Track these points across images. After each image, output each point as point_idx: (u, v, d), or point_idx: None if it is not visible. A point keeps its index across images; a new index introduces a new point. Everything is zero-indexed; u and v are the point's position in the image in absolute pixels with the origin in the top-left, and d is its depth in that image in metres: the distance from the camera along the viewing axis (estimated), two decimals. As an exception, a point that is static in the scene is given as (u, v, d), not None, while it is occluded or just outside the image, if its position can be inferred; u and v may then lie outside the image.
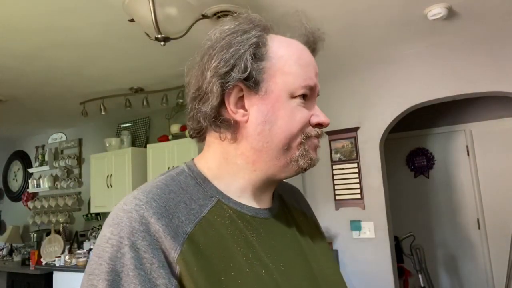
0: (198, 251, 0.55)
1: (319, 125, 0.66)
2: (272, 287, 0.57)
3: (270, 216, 0.67)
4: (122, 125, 4.68)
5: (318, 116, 0.66)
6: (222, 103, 0.62)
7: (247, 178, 0.64)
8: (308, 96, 0.65)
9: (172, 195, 0.58)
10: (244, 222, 0.62)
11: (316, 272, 0.67)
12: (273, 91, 0.62)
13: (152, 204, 0.55)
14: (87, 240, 4.40)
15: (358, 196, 3.13)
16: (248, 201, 0.65)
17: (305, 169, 0.66)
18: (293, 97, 0.63)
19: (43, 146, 5.36)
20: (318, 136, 0.67)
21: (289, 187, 0.84)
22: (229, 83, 0.60)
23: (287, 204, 0.76)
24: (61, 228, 4.67)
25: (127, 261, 0.51)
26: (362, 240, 3.10)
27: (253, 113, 0.62)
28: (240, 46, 0.60)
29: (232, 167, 0.64)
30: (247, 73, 0.60)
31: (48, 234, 4.62)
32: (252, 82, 0.61)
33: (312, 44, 0.70)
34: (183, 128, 3.80)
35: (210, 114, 0.62)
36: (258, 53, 0.62)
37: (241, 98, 0.63)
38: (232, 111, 0.62)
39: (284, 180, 0.86)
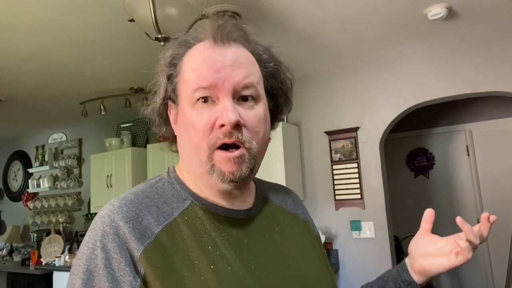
0: (164, 250, 0.59)
1: (223, 127, 0.60)
2: (235, 283, 0.59)
3: (247, 217, 0.69)
4: (122, 125, 4.68)
5: (221, 116, 0.60)
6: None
7: (199, 184, 0.67)
8: (211, 96, 0.61)
9: (146, 200, 0.63)
10: (216, 222, 0.65)
11: (292, 271, 0.68)
12: (181, 103, 0.65)
13: (122, 209, 0.61)
14: (87, 240, 4.39)
15: (358, 196, 3.13)
16: (224, 203, 0.67)
17: (225, 183, 0.62)
18: (193, 104, 0.62)
19: (43, 146, 5.36)
20: (224, 141, 0.60)
21: (280, 189, 0.85)
22: (156, 105, 0.68)
23: (271, 206, 0.77)
24: (61, 228, 4.67)
25: (99, 261, 0.56)
26: (362, 240, 3.10)
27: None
28: (160, 69, 0.67)
29: (189, 174, 0.68)
30: (164, 94, 0.66)
31: (48, 234, 4.62)
32: (172, 100, 0.67)
33: (220, 35, 0.63)
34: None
35: (162, 131, 0.70)
36: (173, 72, 0.66)
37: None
38: (173, 127, 0.69)
39: (276, 183, 0.87)
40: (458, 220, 0.67)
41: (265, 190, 0.79)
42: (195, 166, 0.64)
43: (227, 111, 0.59)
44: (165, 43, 1.99)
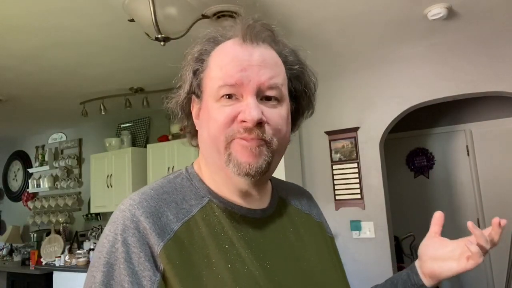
0: (183, 247, 0.59)
1: (244, 122, 0.60)
2: (251, 282, 0.60)
3: (263, 216, 0.69)
4: (122, 125, 4.68)
5: (244, 111, 0.60)
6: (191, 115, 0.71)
7: (217, 180, 0.68)
8: (236, 94, 0.62)
9: (165, 196, 0.64)
10: (233, 221, 0.65)
11: (306, 272, 0.68)
12: (205, 99, 0.66)
13: (143, 204, 0.61)
14: (87, 240, 4.40)
15: (358, 196, 3.13)
16: (241, 201, 0.67)
17: (241, 175, 0.61)
18: (217, 100, 0.63)
19: (43, 146, 5.36)
20: (244, 137, 0.60)
21: (296, 189, 0.85)
22: (179, 99, 0.69)
23: (287, 206, 0.77)
24: (61, 228, 4.67)
25: (119, 255, 0.57)
26: (362, 240, 3.10)
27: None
28: (186, 64, 0.69)
29: (208, 169, 0.69)
30: (189, 88, 0.68)
31: (48, 234, 4.63)
32: (196, 95, 0.68)
33: (249, 34, 0.63)
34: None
35: (184, 125, 0.71)
36: (199, 67, 0.67)
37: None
38: (194, 121, 0.70)
39: (292, 182, 0.88)
40: (470, 224, 0.67)
41: (281, 190, 0.79)
42: (214, 159, 0.65)
43: (250, 108, 0.59)
44: (165, 43, 1.99)
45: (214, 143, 0.63)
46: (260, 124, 0.60)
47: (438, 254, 0.71)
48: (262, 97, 0.62)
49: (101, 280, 0.57)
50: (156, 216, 0.60)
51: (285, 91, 0.65)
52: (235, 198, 0.67)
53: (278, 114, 0.63)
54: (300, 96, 0.71)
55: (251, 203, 0.68)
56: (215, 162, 0.65)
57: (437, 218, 0.74)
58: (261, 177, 0.63)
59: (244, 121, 0.60)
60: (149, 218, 0.60)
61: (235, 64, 0.62)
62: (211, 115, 0.63)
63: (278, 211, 0.73)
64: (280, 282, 0.63)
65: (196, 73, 0.67)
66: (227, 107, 0.61)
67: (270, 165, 0.63)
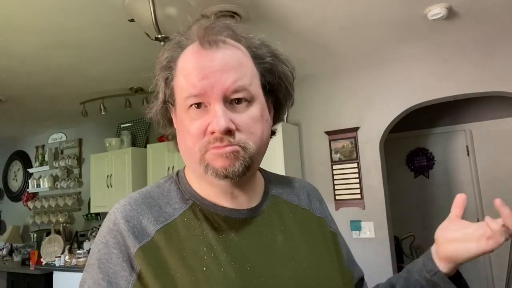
0: (159, 250, 0.62)
1: (214, 133, 0.60)
2: (226, 285, 0.60)
3: (250, 216, 0.68)
4: (122, 125, 4.68)
5: (212, 122, 0.60)
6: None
7: (202, 184, 0.68)
8: (204, 102, 0.61)
9: (150, 200, 0.67)
10: (214, 223, 0.66)
11: (292, 272, 0.66)
12: (176, 108, 0.66)
13: (126, 208, 0.65)
14: (87, 240, 4.40)
15: (358, 196, 3.13)
16: (226, 202, 0.67)
17: (220, 179, 0.62)
18: (186, 111, 0.63)
19: (43, 146, 5.36)
20: (216, 146, 0.60)
21: (295, 184, 0.82)
22: (156, 107, 0.69)
23: (281, 203, 0.75)
24: (61, 228, 4.67)
25: (103, 256, 0.62)
26: (362, 240, 3.10)
27: None
28: (157, 72, 0.67)
29: (192, 173, 0.70)
30: (163, 97, 0.67)
31: (48, 234, 4.63)
32: (170, 103, 0.68)
33: (207, 38, 0.61)
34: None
35: (167, 132, 0.72)
36: (169, 75, 0.66)
37: None
38: (175, 128, 0.70)
39: (294, 177, 0.85)
40: (497, 201, 0.61)
41: (276, 186, 0.77)
42: (193, 167, 0.66)
43: (217, 118, 0.59)
44: (165, 43, 1.99)
45: (191, 155, 0.64)
46: (229, 131, 0.60)
47: (457, 236, 0.66)
48: (231, 101, 0.61)
49: (91, 278, 0.62)
50: (136, 219, 0.64)
51: (254, 89, 0.63)
52: (221, 199, 0.67)
53: (250, 116, 0.62)
54: (276, 90, 0.68)
55: (237, 203, 0.68)
56: (195, 170, 0.67)
57: (460, 201, 0.69)
58: (240, 178, 0.63)
59: (214, 132, 0.60)
60: (129, 221, 0.63)
61: (196, 72, 0.60)
62: (184, 127, 0.64)
63: (268, 209, 0.72)
64: (262, 283, 0.62)
65: (166, 81, 0.66)
66: (197, 119, 0.61)
67: (250, 168, 0.63)
